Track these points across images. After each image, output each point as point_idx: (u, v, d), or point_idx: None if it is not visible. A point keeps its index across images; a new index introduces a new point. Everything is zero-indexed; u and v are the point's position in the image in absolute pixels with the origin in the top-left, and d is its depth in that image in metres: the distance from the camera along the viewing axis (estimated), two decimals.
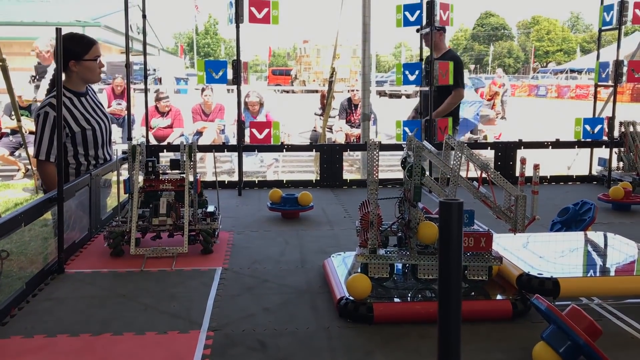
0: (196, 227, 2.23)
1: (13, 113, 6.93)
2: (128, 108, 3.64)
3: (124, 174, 2.39)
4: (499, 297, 1.67)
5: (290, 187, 3.61)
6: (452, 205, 0.59)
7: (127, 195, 2.30)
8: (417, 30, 5.38)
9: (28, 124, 7.72)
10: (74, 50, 3.07)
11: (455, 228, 0.58)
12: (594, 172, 3.90)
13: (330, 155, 3.63)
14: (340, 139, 9.28)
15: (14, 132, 9.29)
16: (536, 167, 1.85)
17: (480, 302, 1.64)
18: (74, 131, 3.08)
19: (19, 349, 1.44)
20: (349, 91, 10.07)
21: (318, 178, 3.68)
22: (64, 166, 3.09)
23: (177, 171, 2.36)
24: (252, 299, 1.77)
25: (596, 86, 3.97)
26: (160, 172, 2.33)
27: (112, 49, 30.73)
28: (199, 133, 9.03)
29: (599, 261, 1.87)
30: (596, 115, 3.99)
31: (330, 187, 3.61)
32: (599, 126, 3.77)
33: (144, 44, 3.69)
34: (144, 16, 3.60)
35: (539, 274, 1.64)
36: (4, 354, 1.42)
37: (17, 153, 9.26)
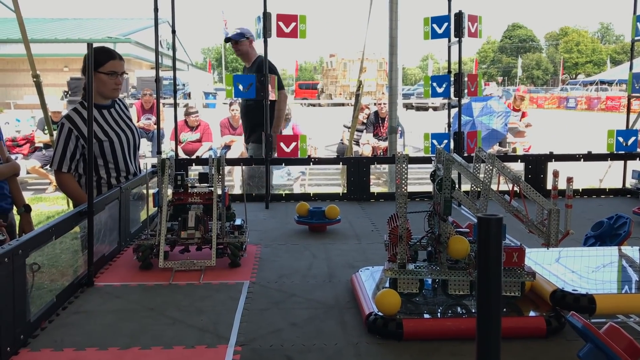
0: (224, 241, 2.23)
1: (46, 128, 7.08)
2: (157, 122, 3.69)
3: (154, 187, 2.41)
4: (532, 313, 1.63)
5: (317, 200, 3.60)
6: (491, 221, 0.57)
7: (156, 208, 2.32)
8: (226, 40, 5.32)
9: None
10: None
11: (494, 245, 0.56)
12: (627, 185, 3.81)
13: (357, 168, 3.62)
14: (367, 152, 9.25)
15: (47, 146, 9.51)
16: (569, 180, 1.81)
17: (513, 318, 1.59)
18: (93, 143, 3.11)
19: None
20: (375, 104, 10.06)
21: (345, 191, 3.67)
22: (83, 178, 3.14)
23: (206, 184, 2.37)
24: (280, 314, 1.75)
25: (629, 97, 3.88)
26: (189, 185, 2.34)
27: (143, 64, 31.32)
28: (227, 147, 9.10)
29: (635, 277, 1.81)
30: (629, 127, 3.90)
31: (358, 201, 3.59)
32: (633, 138, 3.68)
33: (174, 59, 3.74)
34: (174, 32, 3.65)
35: (573, 290, 1.60)
36: None
37: (49, 165, 9.46)
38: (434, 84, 3.57)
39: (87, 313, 1.77)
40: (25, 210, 3.13)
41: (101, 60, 3.11)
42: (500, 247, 0.57)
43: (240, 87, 3.32)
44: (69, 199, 3.34)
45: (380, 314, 1.59)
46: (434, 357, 1.47)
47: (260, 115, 5.19)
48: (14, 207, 3.17)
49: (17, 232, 3.18)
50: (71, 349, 1.52)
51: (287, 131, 8.17)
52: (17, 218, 3.20)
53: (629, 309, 1.63)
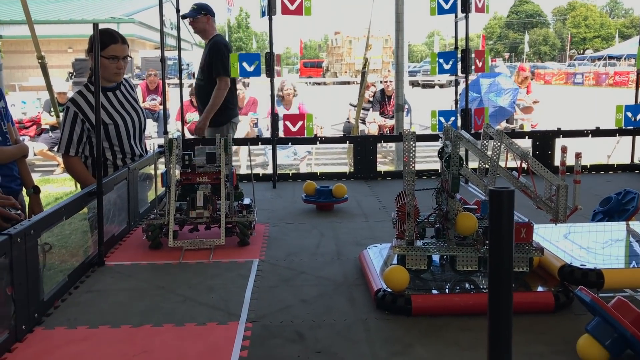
0: (233, 220, 2.24)
1: (52, 109, 7.09)
2: (163, 102, 3.69)
3: (161, 168, 2.42)
4: (540, 288, 1.64)
5: (324, 180, 3.61)
6: (503, 193, 0.57)
7: (164, 188, 2.33)
8: (183, 17, 5.09)
9: None
10: (92, 42, 3.04)
11: (506, 218, 0.57)
12: (636, 161, 3.79)
13: (364, 147, 3.61)
14: (374, 131, 9.23)
15: (53, 128, 9.54)
16: (578, 155, 1.81)
17: (521, 293, 1.60)
18: (94, 125, 3.10)
19: (63, 340, 1.47)
20: (381, 82, 10.01)
21: (352, 170, 3.67)
22: (89, 159, 3.16)
23: (213, 164, 2.37)
24: (289, 291, 1.77)
25: (638, 72, 3.85)
26: (197, 165, 2.35)
27: (147, 44, 31.21)
28: None
29: None
30: (638, 102, 3.87)
31: (365, 179, 3.60)
32: None
33: (178, 39, 3.73)
34: (178, 12, 3.64)
35: (581, 265, 1.61)
36: (50, 344, 1.45)
37: (56, 149, 9.48)
38: (441, 61, 3.54)
39: (99, 292, 1.80)
40: (35, 191, 3.15)
41: (103, 45, 3.08)
42: (512, 220, 0.58)
43: (246, 65, 3.31)
44: (77, 182, 3.36)
45: (388, 290, 1.61)
46: (443, 332, 1.48)
47: (208, 95, 5.06)
48: (23, 189, 3.19)
49: (27, 213, 3.20)
50: (84, 326, 1.54)
51: (293, 110, 8.15)
52: (26, 199, 3.22)
53: (637, 283, 1.64)
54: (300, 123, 3.46)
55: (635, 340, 1.21)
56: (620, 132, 3.78)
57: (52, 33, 26.89)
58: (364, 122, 9.49)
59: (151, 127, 10.11)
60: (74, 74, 12.09)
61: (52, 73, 6.43)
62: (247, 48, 70.66)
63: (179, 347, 1.42)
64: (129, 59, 3.27)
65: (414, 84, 31.35)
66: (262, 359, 1.35)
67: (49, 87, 5.99)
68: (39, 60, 5.61)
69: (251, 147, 2.96)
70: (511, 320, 0.63)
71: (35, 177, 6.94)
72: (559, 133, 3.67)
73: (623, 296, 1.34)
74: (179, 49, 3.71)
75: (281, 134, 3.60)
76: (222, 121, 5.08)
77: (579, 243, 1.87)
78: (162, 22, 3.32)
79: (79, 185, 3.34)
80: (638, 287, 1.68)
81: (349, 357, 1.35)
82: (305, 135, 3.47)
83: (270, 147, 3.57)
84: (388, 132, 9.01)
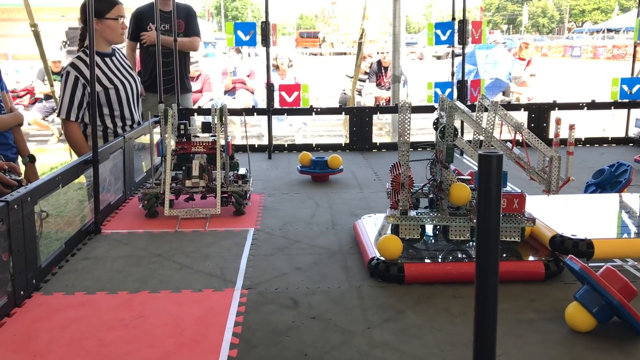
0: (228, 189, 2.25)
1: (46, 78, 7.03)
2: (158, 72, 3.65)
3: (157, 137, 2.42)
4: (531, 258, 1.67)
5: (319, 151, 3.61)
6: (492, 157, 0.58)
7: (160, 157, 2.33)
8: None
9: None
10: (97, 8, 3.04)
11: (495, 182, 0.58)
12: (630, 134, 3.80)
13: (360, 119, 3.61)
14: (370, 102, 9.18)
15: (47, 97, 9.46)
16: (571, 127, 1.82)
17: (513, 263, 1.63)
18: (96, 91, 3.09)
19: (61, 305, 1.49)
20: (378, 53, 9.92)
21: (347, 141, 3.67)
22: (89, 127, 3.15)
23: (209, 134, 2.38)
24: (285, 259, 1.79)
25: (635, 45, 3.83)
26: (192, 135, 2.35)
27: None
28: (228, 92, 9.03)
29: (634, 223, 1.84)
30: (635, 75, 3.86)
31: (360, 151, 3.60)
32: (637, 86, 3.65)
33: (173, 8, 3.67)
34: None
35: (572, 235, 1.63)
36: (49, 309, 1.47)
37: (50, 118, 9.43)
38: (438, 31, 3.52)
39: (96, 259, 1.82)
40: (30, 160, 3.15)
41: (107, 7, 3.11)
42: (500, 183, 0.59)
43: (241, 34, 3.28)
44: (72, 150, 3.35)
45: (382, 258, 1.63)
46: (434, 299, 1.51)
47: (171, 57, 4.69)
48: (19, 157, 3.19)
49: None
50: (82, 292, 1.57)
51: (288, 80, 8.10)
52: (22, 168, 3.22)
53: (626, 253, 1.67)
54: (296, 93, 3.45)
55: (622, 308, 1.24)
56: (616, 105, 3.79)
57: (45, 1, 26.44)
58: (360, 93, 9.44)
59: None
60: (68, 42, 11.93)
61: (44, 42, 6.35)
62: (243, 18, 69.71)
63: (175, 313, 1.45)
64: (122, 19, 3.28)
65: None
66: (258, 324, 1.38)
67: (42, 55, 5.94)
68: (32, 29, 5.55)
69: (247, 117, 2.96)
70: (497, 279, 0.65)
71: (30, 147, 6.91)
72: (554, 105, 3.67)
73: (613, 266, 1.37)
74: (174, 17, 3.67)
75: (277, 105, 3.58)
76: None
77: (571, 214, 1.89)
78: None
79: (74, 155, 3.33)
80: (627, 257, 1.71)
81: (343, 323, 1.38)
82: (301, 106, 3.47)
83: (265, 117, 3.55)
84: (384, 103, 8.97)
